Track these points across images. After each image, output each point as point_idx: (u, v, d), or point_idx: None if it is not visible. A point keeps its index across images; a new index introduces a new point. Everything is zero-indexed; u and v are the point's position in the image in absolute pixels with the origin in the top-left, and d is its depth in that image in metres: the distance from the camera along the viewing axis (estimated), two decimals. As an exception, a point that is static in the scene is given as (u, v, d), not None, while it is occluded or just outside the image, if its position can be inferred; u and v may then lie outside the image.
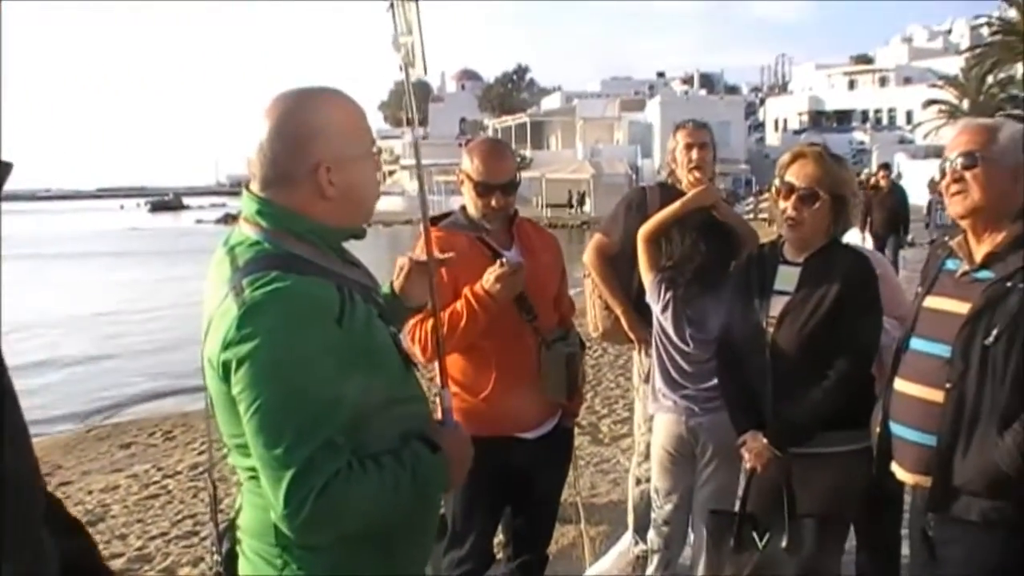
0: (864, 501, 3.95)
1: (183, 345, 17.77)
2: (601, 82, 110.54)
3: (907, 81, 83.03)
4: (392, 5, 2.55)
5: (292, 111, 2.35)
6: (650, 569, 4.83)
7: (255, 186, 2.40)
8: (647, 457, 5.25)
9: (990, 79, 58.51)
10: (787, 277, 3.90)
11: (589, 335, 5.41)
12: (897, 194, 16.30)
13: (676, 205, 4.70)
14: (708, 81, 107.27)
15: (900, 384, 3.37)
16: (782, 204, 3.87)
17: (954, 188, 3.23)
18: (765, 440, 3.83)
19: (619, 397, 12.44)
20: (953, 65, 68.49)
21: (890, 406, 3.42)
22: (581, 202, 62.66)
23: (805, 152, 3.92)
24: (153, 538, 8.90)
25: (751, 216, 36.82)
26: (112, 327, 25.32)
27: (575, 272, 5.26)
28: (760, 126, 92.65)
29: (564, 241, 4.89)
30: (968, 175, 3.19)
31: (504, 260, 3.85)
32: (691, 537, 4.80)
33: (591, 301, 5.47)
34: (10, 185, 1.34)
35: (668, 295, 4.51)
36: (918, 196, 17.49)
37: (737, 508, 4.05)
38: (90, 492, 10.67)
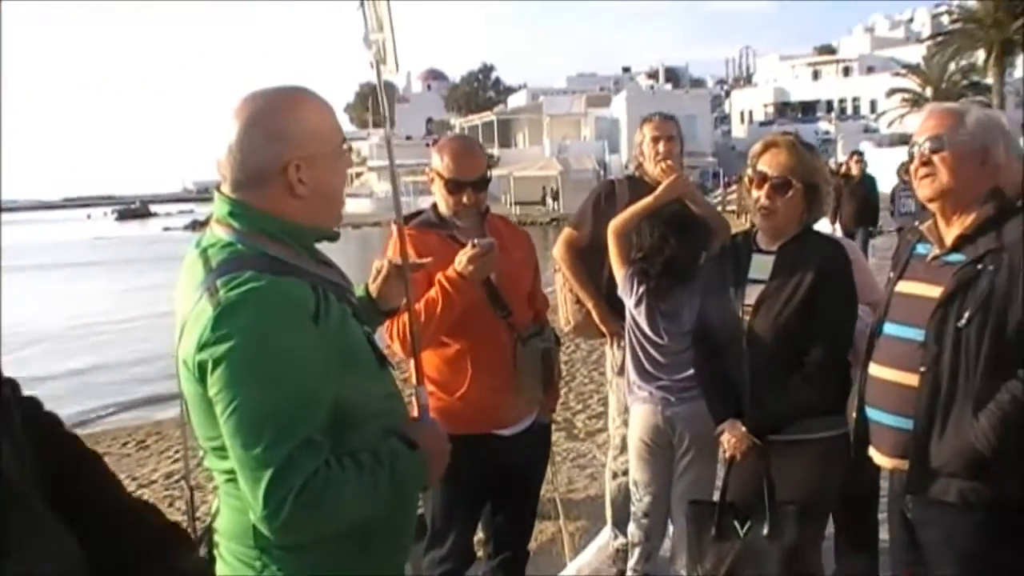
0: (842, 487, 3.97)
1: (156, 354, 17.62)
2: (567, 78, 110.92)
3: (870, 70, 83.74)
4: (362, 3, 2.53)
5: (261, 111, 2.34)
6: (631, 562, 4.83)
7: (226, 188, 2.39)
8: (623, 450, 5.26)
9: (952, 66, 59.18)
10: (761, 266, 3.91)
11: (561, 330, 5.41)
12: (867, 183, 16.38)
13: (649, 199, 4.71)
14: (673, 75, 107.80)
15: (875, 369, 3.39)
16: (755, 193, 3.88)
17: (922, 172, 3.26)
18: (744, 428, 3.84)
19: (593, 392, 12.44)
20: (915, 54, 69.18)
21: (866, 391, 3.44)
22: (556, 197, 62.59)
23: (777, 141, 3.93)
24: (130, 548, 8.78)
25: (719, 208, 36.82)
26: (82, 339, 25.02)
27: (546, 269, 5.25)
28: (726, 119, 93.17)
29: (535, 238, 4.86)
30: (936, 158, 3.22)
31: (475, 241, 3.83)
32: (671, 529, 4.79)
33: (562, 295, 5.47)
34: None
35: (640, 289, 4.52)
36: (885, 184, 17.55)
37: (717, 498, 4.05)
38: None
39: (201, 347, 2.18)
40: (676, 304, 4.45)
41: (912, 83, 62.99)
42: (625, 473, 5.15)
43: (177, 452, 12.22)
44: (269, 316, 2.19)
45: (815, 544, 3.93)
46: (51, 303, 33.40)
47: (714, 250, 4.39)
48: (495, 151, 71.19)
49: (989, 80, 55.17)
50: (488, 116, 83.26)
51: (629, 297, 4.58)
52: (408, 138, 75.52)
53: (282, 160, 2.32)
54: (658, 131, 5.21)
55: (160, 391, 16.43)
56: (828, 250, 3.91)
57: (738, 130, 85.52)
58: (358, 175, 78.53)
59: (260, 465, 2.13)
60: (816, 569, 3.99)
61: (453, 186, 4.04)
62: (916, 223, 3.47)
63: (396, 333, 3.83)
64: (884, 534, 4.40)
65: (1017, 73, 56.35)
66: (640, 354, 4.61)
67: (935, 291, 3.18)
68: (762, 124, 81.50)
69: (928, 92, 60.32)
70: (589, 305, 5.31)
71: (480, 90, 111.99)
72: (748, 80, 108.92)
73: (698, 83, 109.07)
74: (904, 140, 53.02)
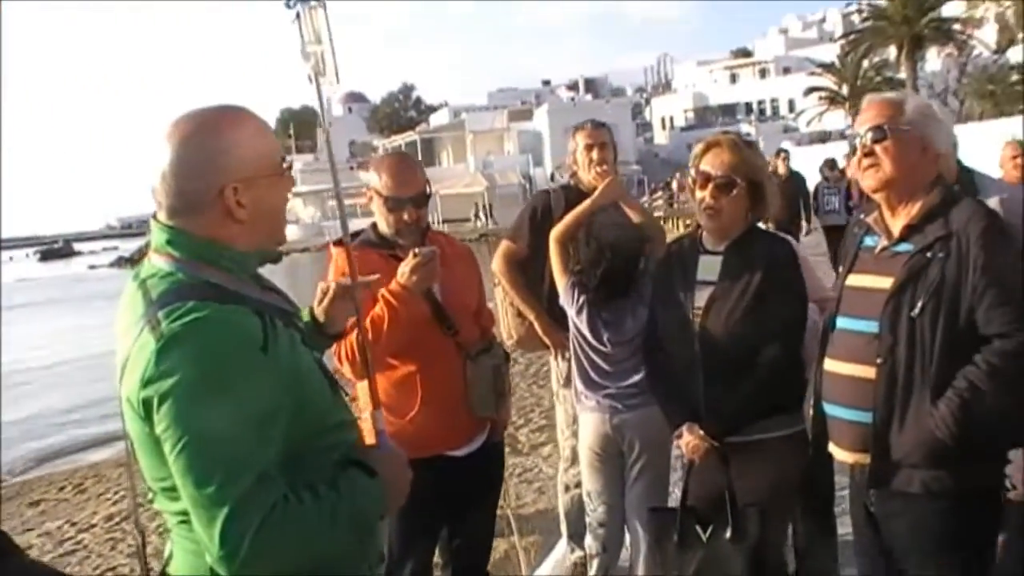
0: (801, 485, 3.95)
1: (91, 398, 17.29)
2: (488, 94, 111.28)
3: (786, 71, 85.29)
4: (298, 15, 2.44)
5: (192, 134, 2.24)
6: (590, 574, 4.76)
7: (162, 215, 2.29)
8: (573, 462, 5.21)
9: (866, 63, 60.46)
10: (709, 267, 3.88)
11: (503, 344, 5.34)
12: (796, 180, 16.53)
13: (586, 203, 4.67)
14: (593, 86, 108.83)
15: (830, 364, 3.37)
16: (699, 194, 3.85)
17: (866, 162, 3.25)
18: (701, 432, 3.79)
19: (534, 405, 12.39)
20: (829, 53, 70.61)
21: (822, 387, 3.41)
22: (488, 214, 62.53)
23: (719, 140, 3.91)
24: (74, 597, 8.56)
25: (648, 215, 37.02)
26: (13, 388, 24.31)
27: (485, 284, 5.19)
28: (647, 126, 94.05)
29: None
30: (878, 148, 3.21)
31: (417, 251, 3.76)
32: (627, 538, 4.74)
33: (503, 309, 5.40)
34: None
35: (581, 298, 4.47)
36: (809, 182, 17.74)
37: (674, 503, 4.01)
38: (0, 556, 10.23)
39: (145, 383, 2.08)
40: (618, 312, 4.41)
41: (828, 81, 64.22)
42: (577, 485, 5.11)
43: (117, 493, 11.95)
44: (215, 347, 2.09)
45: (779, 544, 3.91)
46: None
47: (652, 257, 4.39)
48: (420, 170, 70.97)
49: (902, 75, 56.41)
50: (411, 136, 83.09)
51: (571, 306, 4.53)
52: (292, 166, 74.94)
53: (218, 184, 2.23)
54: (591, 139, 5.18)
55: (96, 432, 16.14)
56: (776, 248, 3.90)
57: (660, 136, 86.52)
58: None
59: (214, 504, 2.03)
60: (781, 569, 3.96)
61: (393, 204, 3.95)
62: (862, 215, 3.46)
63: (345, 355, 3.74)
64: (842, 528, 4.41)
65: (929, 67, 57.68)
66: (585, 363, 4.56)
67: (886, 282, 3.17)
68: (683, 129, 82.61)
69: (844, 89, 61.57)
70: (531, 317, 5.26)
71: (402, 110, 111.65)
72: (667, 87, 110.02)
73: (618, 92, 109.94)
74: (823, 138, 54.29)
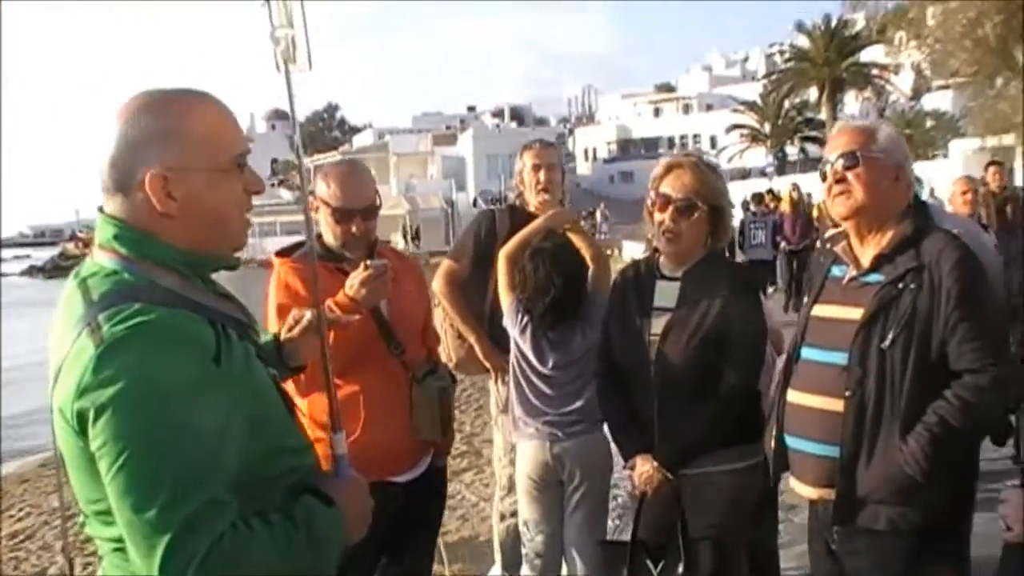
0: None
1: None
2: (412, 118, 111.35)
3: (709, 108, 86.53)
4: (267, -1, 2.25)
5: (136, 112, 2.03)
6: (527, 606, 4.61)
7: (107, 206, 2.08)
8: (511, 491, 5.05)
9: (787, 103, 61.79)
10: (666, 293, 3.77)
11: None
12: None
13: (538, 222, 4.55)
14: (518, 114, 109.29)
15: (795, 396, 3.27)
16: (658, 216, 3.73)
17: (836, 189, 3.18)
18: (655, 463, 3.67)
19: (456, 431, 12.19)
20: (752, 91, 72.00)
21: (784, 419, 3.31)
22: (416, 235, 61.97)
23: (681, 162, 3.81)
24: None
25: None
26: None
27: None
28: (570, 156, 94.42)
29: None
30: (850, 175, 3.14)
31: (369, 263, 3.56)
32: (564, 569, 4.60)
33: (442, 330, 5.23)
34: None
35: (526, 318, 4.34)
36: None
37: (618, 535, 3.88)
38: None
39: (81, 392, 1.85)
40: (565, 332, 4.29)
41: (750, 119, 65.42)
42: (514, 515, 4.95)
43: (22, 510, 11.47)
44: (162, 354, 1.87)
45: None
46: None
47: (597, 284, 4.32)
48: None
49: (822, 116, 57.71)
50: (334, 155, 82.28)
51: (515, 327, 4.39)
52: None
53: (143, 167, 2.01)
54: (538, 159, 5.06)
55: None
56: (736, 274, 3.83)
57: (583, 167, 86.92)
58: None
59: (155, 531, 1.81)
60: None
61: (341, 215, 3.76)
62: (828, 245, 3.38)
63: None
64: (788, 563, 4.33)
65: (848, 109, 59.04)
66: (525, 387, 4.41)
67: (855, 313, 3.10)
68: (606, 161, 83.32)
69: (766, 128, 62.77)
70: (472, 339, 5.11)
71: (325, 130, 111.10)
72: (591, 118, 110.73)
73: (542, 122, 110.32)
74: (744, 175, 55.23)
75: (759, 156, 61.45)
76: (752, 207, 17.92)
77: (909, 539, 3.02)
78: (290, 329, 2.83)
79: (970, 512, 3.24)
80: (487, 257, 4.81)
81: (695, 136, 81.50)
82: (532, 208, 4.96)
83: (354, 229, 3.77)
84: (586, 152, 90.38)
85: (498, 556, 5.49)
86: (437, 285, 5.14)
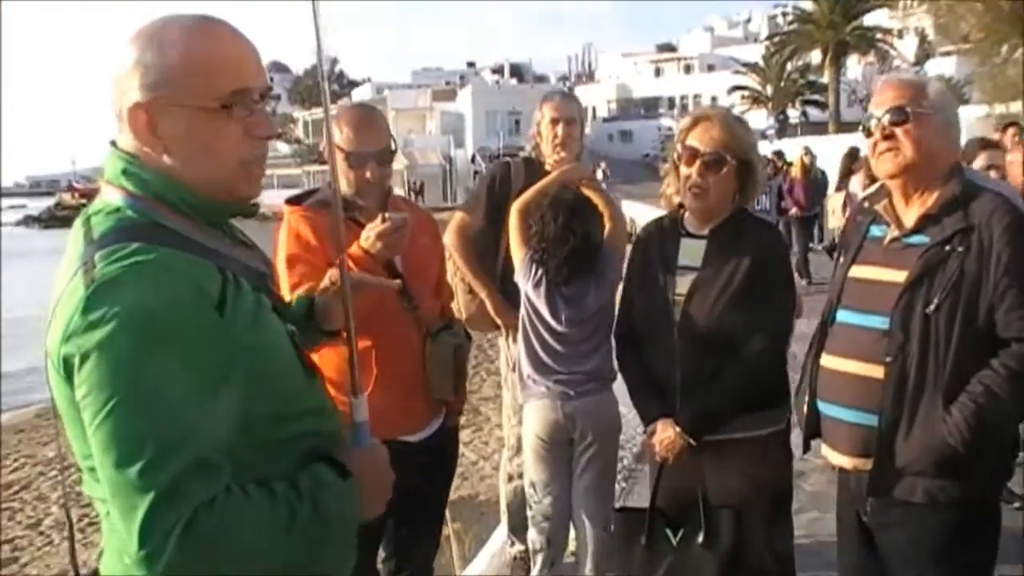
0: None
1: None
2: (412, 73, 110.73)
3: (711, 68, 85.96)
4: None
5: (131, 39, 1.87)
6: (534, 570, 4.49)
7: (118, 139, 1.91)
8: (519, 451, 4.93)
9: (789, 66, 61.38)
10: (691, 251, 3.61)
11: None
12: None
13: (552, 176, 4.41)
14: (518, 71, 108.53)
15: (830, 360, 3.12)
16: (684, 171, 3.57)
17: (884, 146, 2.99)
18: (677, 428, 3.53)
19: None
20: (754, 53, 71.45)
21: (817, 384, 3.16)
22: (420, 191, 61.52)
23: (709, 115, 3.63)
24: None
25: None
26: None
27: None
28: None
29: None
30: (899, 131, 2.96)
31: (387, 215, 3.36)
32: (572, 531, 4.50)
33: (453, 284, 5.07)
34: None
35: (540, 272, 4.19)
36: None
37: (623, 500, 3.76)
38: None
39: (67, 336, 1.70)
40: (580, 288, 4.15)
41: (752, 81, 64.99)
42: (521, 476, 4.81)
43: (17, 460, 11.40)
44: (157, 297, 1.70)
45: (755, 550, 3.58)
46: None
47: (612, 242, 4.20)
48: (339, 146, 70.53)
49: (825, 79, 57.38)
50: (333, 110, 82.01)
51: (528, 280, 4.23)
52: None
53: (128, 99, 1.84)
54: (557, 112, 4.90)
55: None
56: (764, 233, 3.66)
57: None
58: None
59: (137, 490, 1.63)
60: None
61: (355, 159, 3.57)
62: (866, 204, 3.21)
63: None
64: (802, 531, 4.21)
65: (850, 73, 58.72)
66: (536, 344, 4.26)
67: (896, 275, 2.94)
68: (605, 120, 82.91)
69: (768, 90, 62.40)
70: (483, 295, 4.98)
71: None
72: (591, 77, 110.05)
73: (541, 79, 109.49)
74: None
75: (760, 119, 61.08)
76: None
77: (947, 513, 2.89)
78: (323, 290, 2.64)
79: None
80: (500, 210, 4.67)
81: (695, 96, 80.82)
82: (548, 164, 4.79)
83: (368, 175, 3.59)
84: (586, 111, 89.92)
85: (504, 518, 5.39)
86: (449, 238, 4.97)
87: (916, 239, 2.97)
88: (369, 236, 3.30)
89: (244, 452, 1.80)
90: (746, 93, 63.75)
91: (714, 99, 75.11)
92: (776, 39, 64.96)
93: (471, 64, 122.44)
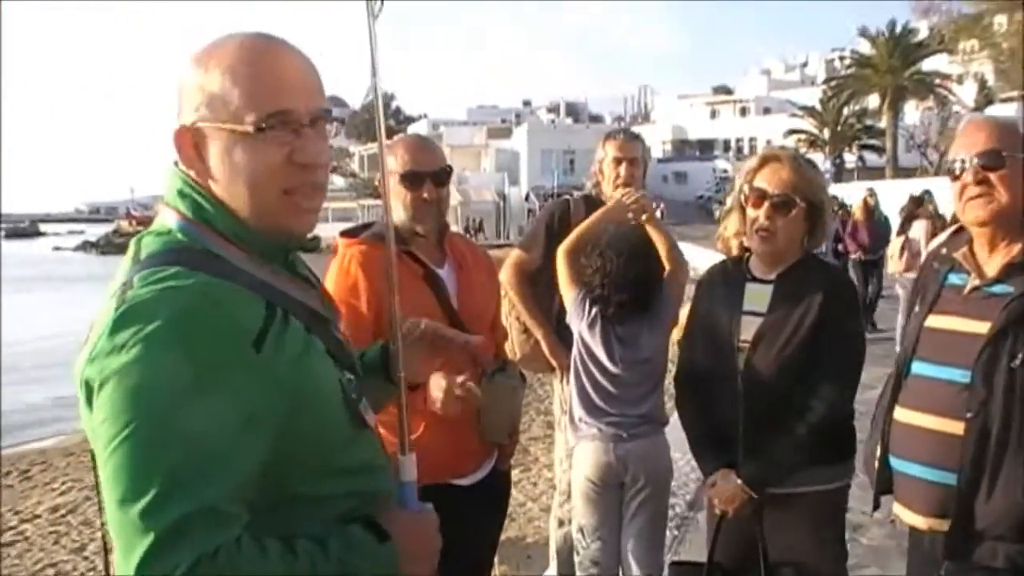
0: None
1: (38, 379, 16.59)
2: (467, 110, 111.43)
3: (767, 111, 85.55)
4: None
5: (194, 56, 1.79)
6: (581, 618, 4.34)
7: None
8: (570, 496, 4.79)
9: (846, 110, 60.95)
10: (757, 297, 3.49)
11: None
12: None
13: (598, 214, 4.38)
14: (573, 110, 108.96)
15: (904, 414, 2.96)
16: (751, 213, 3.44)
17: (975, 191, 2.82)
18: (739, 480, 3.38)
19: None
20: (810, 96, 71.01)
21: (890, 439, 3.00)
22: (480, 228, 61.61)
23: (778, 155, 3.52)
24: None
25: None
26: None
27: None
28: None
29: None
30: (994, 176, 2.80)
31: (470, 385, 3.19)
32: None
33: (508, 323, 4.97)
34: None
35: (594, 311, 4.07)
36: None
37: (675, 553, 3.61)
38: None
39: (92, 358, 1.60)
40: (635, 328, 4.04)
41: (808, 124, 64.56)
42: (572, 521, 4.68)
43: (64, 484, 11.43)
44: (187, 325, 1.59)
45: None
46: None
47: (671, 283, 4.11)
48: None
49: (882, 124, 56.92)
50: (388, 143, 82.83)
51: (582, 319, 4.13)
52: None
53: (178, 118, 1.78)
54: (621, 152, 4.84)
55: (43, 417, 15.45)
56: (833, 279, 3.53)
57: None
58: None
59: (137, 530, 1.50)
60: None
61: (412, 178, 3.49)
62: (943, 250, 3.06)
63: None
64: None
65: (908, 118, 58.20)
66: (588, 385, 4.15)
67: (978, 326, 2.79)
68: (660, 161, 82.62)
69: (825, 134, 61.99)
70: (538, 335, 4.88)
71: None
72: (646, 117, 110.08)
73: (596, 119, 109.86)
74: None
75: (817, 161, 60.69)
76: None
77: None
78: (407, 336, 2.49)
79: None
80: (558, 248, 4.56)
81: (751, 139, 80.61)
82: (607, 200, 4.69)
83: (425, 195, 3.50)
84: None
85: (553, 562, 5.26)
86: (505, 276, 4.89)
87: (999, 288, 2.81)
88: (438, 395, 3.19)
89: (271, 506, 1.68)
90: (802, 136, 63.29)
91: (768, 142, 74.91)
92: (833, 83, 64.65)
93: (527, 103, 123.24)
